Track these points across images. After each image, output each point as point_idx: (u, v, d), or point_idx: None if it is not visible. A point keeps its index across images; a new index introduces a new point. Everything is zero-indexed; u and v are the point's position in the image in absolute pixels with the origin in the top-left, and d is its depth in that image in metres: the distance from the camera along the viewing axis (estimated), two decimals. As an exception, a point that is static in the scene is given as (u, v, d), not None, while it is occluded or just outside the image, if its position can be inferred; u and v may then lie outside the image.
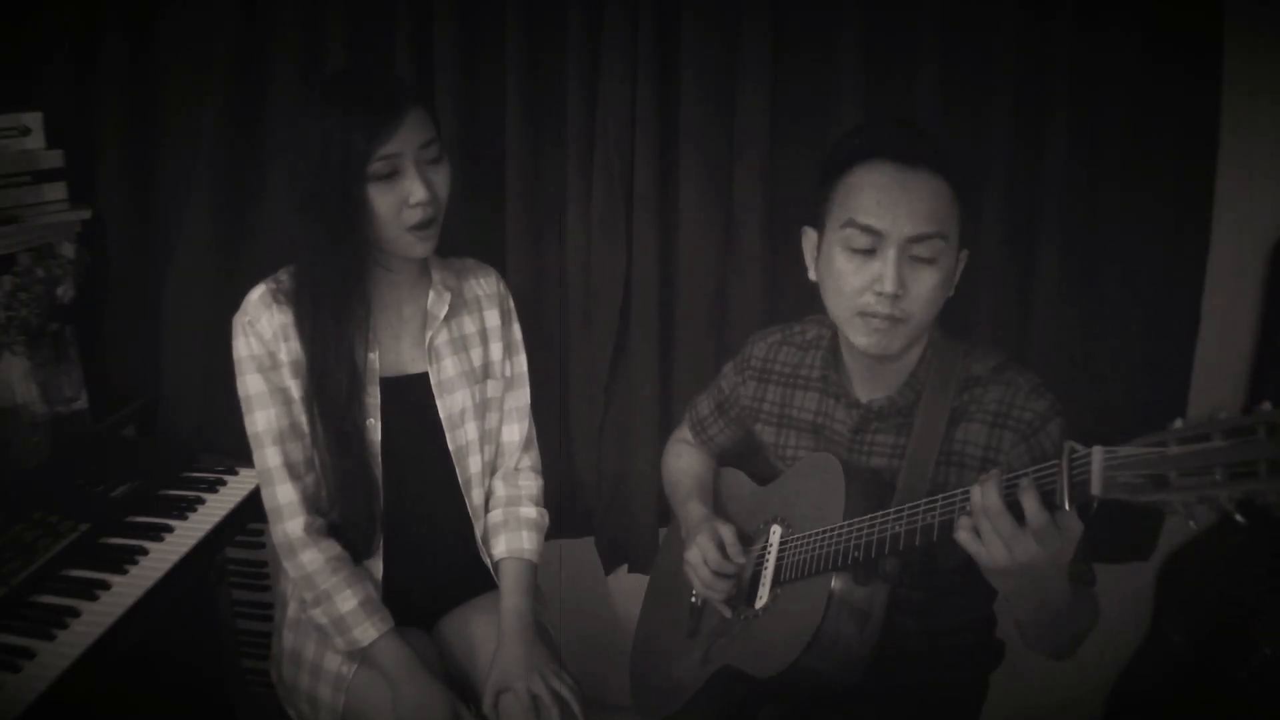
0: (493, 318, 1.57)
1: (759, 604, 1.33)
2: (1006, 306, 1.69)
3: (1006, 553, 1.00)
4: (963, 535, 1.03)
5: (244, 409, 1.41)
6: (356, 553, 1.44)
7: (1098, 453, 0.93)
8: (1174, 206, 1.63)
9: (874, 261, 1.20)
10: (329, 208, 1.32)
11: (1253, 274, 1.75)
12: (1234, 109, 1.60)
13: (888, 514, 1.16)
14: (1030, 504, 0.98)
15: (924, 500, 1.13)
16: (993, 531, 1.00)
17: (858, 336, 1.23)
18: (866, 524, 1.18)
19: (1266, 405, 0.81)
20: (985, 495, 1.01)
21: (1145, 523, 1.79)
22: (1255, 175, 1.68)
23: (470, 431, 1.52)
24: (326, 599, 1.38)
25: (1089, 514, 0.97)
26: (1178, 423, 0.88)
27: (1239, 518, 0.85)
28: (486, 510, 1.57)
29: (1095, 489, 0.92)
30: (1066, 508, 0.96)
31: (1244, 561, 1.77)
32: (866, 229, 1.19)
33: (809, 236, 1.32)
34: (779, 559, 1.32)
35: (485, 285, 1.58)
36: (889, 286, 1.18)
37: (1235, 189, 1.66)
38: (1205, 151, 1.61)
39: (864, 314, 1.21)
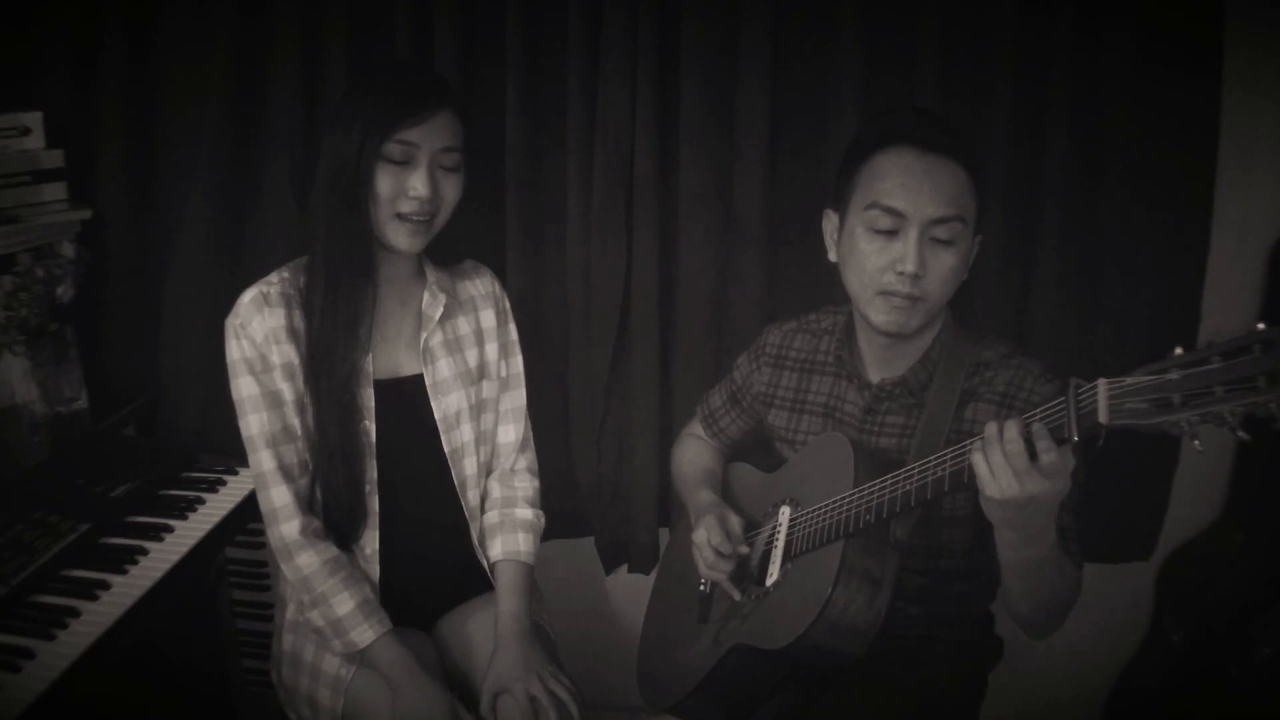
0: (488, 318, 1.57)
1: (769, 581, 1.33)
2: (1006, 306, 1.69)
3: (1017, 485, 1.02)
4: (977, 458, 1.05)
5: (238, 412, 1.41)
6: (345, 541, 1.44)
7: (1103, 383, 0.96)
8: (1174, 206, 1.63)
9: (896, 242, 1.24)
10: (343, 180, 1.36)
11: (1253, 274, 1.75)
12: (1234, 109, 1.60)
13: (897, 475, 1.19)
14: (1043, 441, 1.01)
15: (934, 456, 1.16)
16: (1005, 464, 1.03)
17: (878, 315, 1.28)
18: (877, 487, 1.21)
19: (1260, 325, 0.86)
20: (1006, 429, 1.04)
21: (1145, 523, 1.79)
22: (1255, 175, 1.69)
23: (466, 433, 1.52)
24: (324, 601, 1.38)
25: (1097, 445, 0.99)
26: (1177, 351, 0.91)
27: (1242, 434, 0.88)
28: (483, 511, 1.57)
29: (1102, 417, 0.95)
30: (1075, 438, 0.99)
31: (1244, 561, 1.77)
32: (890, 210, 1.24)
33: (830, 219, 1.36)
34: (789, 536, 1.34)
35: (481, 286, 1.58)
36: (910, 266, 1.22)
37: (1235, 189, 1.67)
38: (1205, 151, 1.61)
39: (885, 293, 1.26)
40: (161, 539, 1.51)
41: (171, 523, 1.55)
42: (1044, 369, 1.29)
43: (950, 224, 1.23)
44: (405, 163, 1.36)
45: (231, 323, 1.41)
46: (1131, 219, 1.65)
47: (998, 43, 1.59)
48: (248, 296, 1.42)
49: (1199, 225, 1.65)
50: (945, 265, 1.25)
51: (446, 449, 1.51)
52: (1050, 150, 1.62)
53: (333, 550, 1.41)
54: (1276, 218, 1.73)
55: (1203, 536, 1.87)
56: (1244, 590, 1.73)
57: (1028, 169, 1.64)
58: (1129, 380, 0.94)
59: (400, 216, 1.38)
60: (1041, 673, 1.87)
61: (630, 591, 1.94)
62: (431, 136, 1.36)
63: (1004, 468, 1.03)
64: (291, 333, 1.41)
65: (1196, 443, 0.91)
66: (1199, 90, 1.59)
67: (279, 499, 1.40)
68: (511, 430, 1.59)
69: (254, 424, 1.40)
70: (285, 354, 1.41)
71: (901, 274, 1.23)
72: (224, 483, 1.69)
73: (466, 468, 1.53)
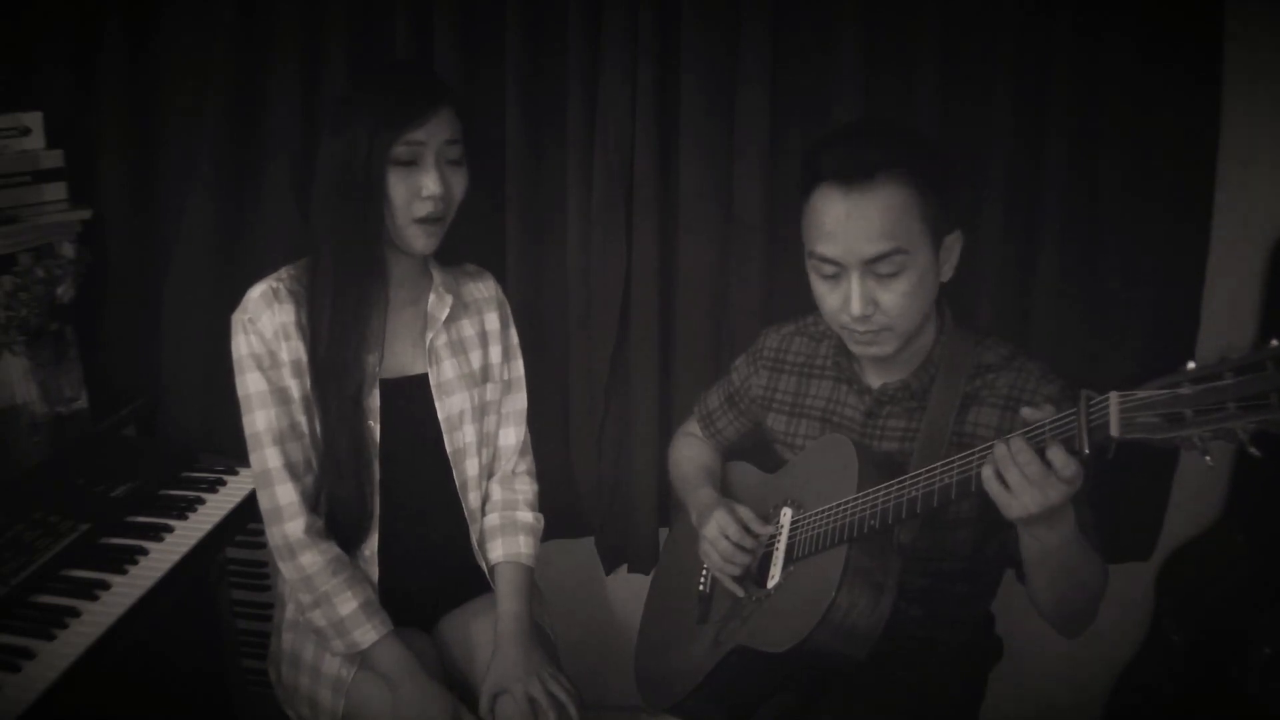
0: (492, 321, 1.57)
1: (771, 584, 1.33)
2: (1006, 307, 1.69)
3: (1040, 497, 1.01)
4: (993, 486, 1.05)
5: (243, 408, 1.41)
6: (347, 543, 1.44)
7: (1114, 397, 0.96)
8: (1174, 206, 1.63)
9: (842, 283, 1.25)
10: (353, 187, 1.36)
11: (1253, 274, 1.75)
12: (1234, 109, 1.60)
13: (903, 480, 1.18)
14: (1056, 455, 1.01)
15: (940, 463, 1.15)
16: (1023, 481, 1.02)
17: (851, 346, 1.31)
18: (883, 492, 1.20)
19: (1275, 341, 0.85)
20: (1013, 445, 1.03)
21: (1145, 523, 1.79)
22: (1255, 174, 1.69)
23: (468, 434, 1.52)
24: (326, 601, 1.38)
25: (1107, 457, 0.99)
26: (1190, 365, 0.91)
27: (1253, 450, 0.88)
28: (483, 513, 1.57)
29: (1114, 430, 0.95)
30: (1086, 451, 0.98)
31: (1244, 561, 1.77)
32: (825, 259, 1.24)
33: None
34: (791, 538, 1.33)
35: (485, 289, 1.59)
36: (855, 309, 1.23)
37: (1235, 189, 1.66)
38: (1205, 151, 1.61)
39: (846, 329, 1.27)
40: (161, 539, 1.51)
41: (171, 523, 1.55)
42: (1045, 370, 1.29)
43: (889, 258, 1.21)
44: (412, 163, 1.37)
45: (239, 318, 1.41)
46: (1131, 219, 1.64)
47: (998, 43, 1.59)
48: (256, 292, 1.42)
49: (1199, 225, 1.65)
50: (896, 294, 1.23)
51: (449, 449, 1.50)
52: (1050, 150, 1.62)
53: (335, 550, 1.41)
54: (1276, 218, 1.73)
55: (1203, 537, 1.87)
56: (1244, 590, 1.73)
57: (1028, 169, 1.64)
58: (1140, 393, 0.94)
59: (417, 221, 1.38)
60: (1041, 673, 1.87)
61: (630, 591, 1.94)
62: (436, 132, 1.37)
63: (1023, 484, 1.02)
64: (300, 329, 1.41)
65: (1208, 458, 0.91)
66: (1199, 90, 1.58)
67: (284, 497, 1.39)
68: (513, 433, 1.59)
69: (260, 420, 1.39)
70: (294, 350, 1.40)
71: (853, 316, 1.24)
72: (224, 483, 1.69)
73: (468, 469, 1.53)
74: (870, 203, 1.21)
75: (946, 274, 1.29)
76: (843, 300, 1.25)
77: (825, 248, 1.24)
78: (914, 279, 1.23)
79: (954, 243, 1.28)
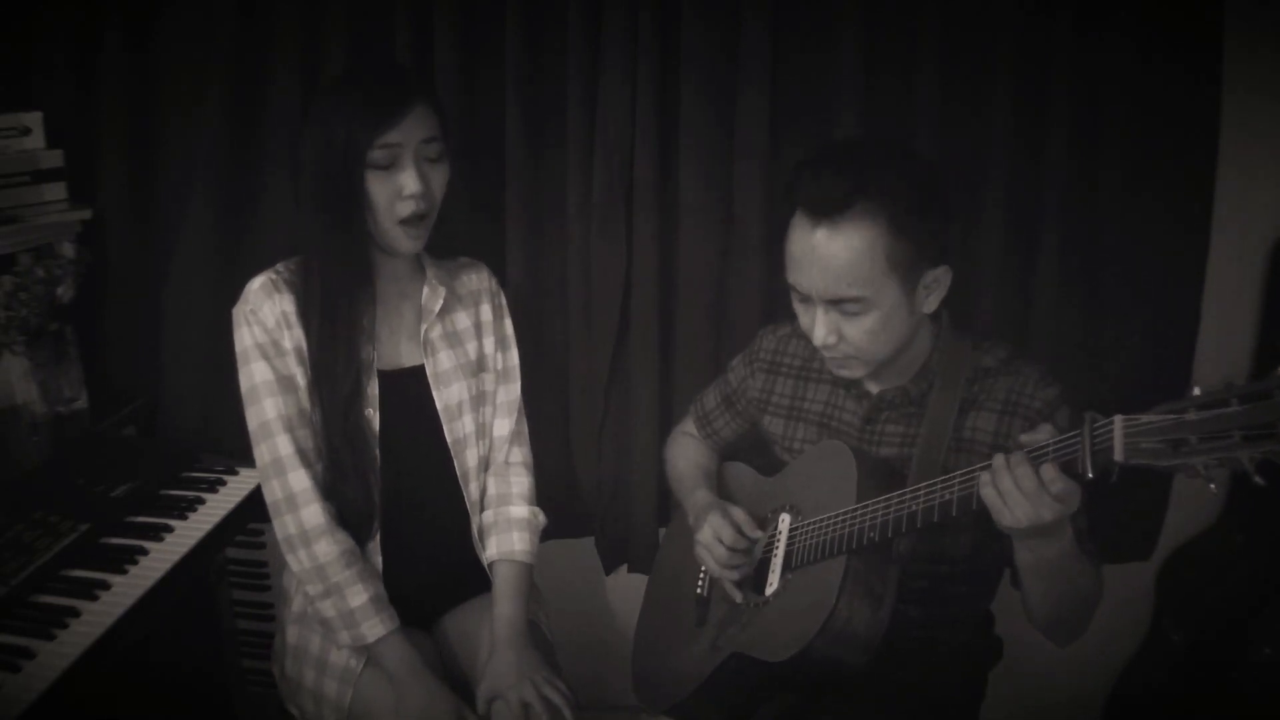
0: (485, 312, 1.58)
1: (769, 591, 1.33)
2: (1007, 308, 1.69)
3: (1031, 510, 1.02)
4: (988, 492, 1.05)
5: (249, 400, 1.40)
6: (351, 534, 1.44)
7: (1119, 421, 0.95)
8: (1174, 206, 1.63)
9: (811, 308, 1.25)
10: (333, 193, 1.36)
11: (1253, 274, 1.75)
12: (1234, 109, 1.60)
13: (904, 493, 1.18)
14: (1048, 472, 1.01)
15: (940, 478, 1.14)
16: (1016, 491, 1.03)
17: (829, 366, 1.31)
18: (882, 504, 1.19)
19: None
20: (1013, 459, 1.03)
21: (1145, 523, 1.79)
22: (1255, 175, 1.69)
23: (467, 424, 1.52)
24: (337, 592, 1.38)
25: (1110, 482, 0.98)
26: (1195, 390, 0.90)
27: (1258, 479, 0.87)
28: (482, 506, 1.57)
29: (1118, 455, 0.94)
30: (1090, 475, 0.97)
31: (1244, 562, 1.77)
32: (793, 287, 1.25)
33: None
34: (789, 546, 1.33)
35: (477, 280, 1.59)
36: (818, 338, 1.24)
37: (1235, 189, 1.66)
38: (1205, 151, 1.61)
39: (823, 347, 1.27)
40: (161, 539, 1.51)
41: (171, 523, 1.55)
42: (1043, 374, 1.27)
43: (850, 302, 1.20)
44: (390, 165, 1.36)
45: (241, 310, 1.41)
46: (1131, 219, 1.64)
47: (998, 43, 1.59)
48: (256, 283, 1.42)
49: (1199, 225, 1.65)
50: (862, 329, 1.22)
51: (449, 439, 1.51)
52: (1050, 150, 1.62)
53: (350, 541, 1.41)
54: (1276, 218, 1.73)
55: (1202, 537, 1.87)
56: (1244, 590, 1.73)
57: (1028, 169, 1.64)
58: (1145, 419, 0.93)
59: (402, 223, 1.38)
60: (1041, 673, 1.86)
61: (630, 591, 1.93)
62: (411, 132, 1.36)
63: (1015, 494, 1.02)
64: (302, 318, 1.41)
65: (1212, 485, 0.90)
66: (1199, 90, 1.58)
67: (297, 483, 1.39)
68: (505, 423, 1.59)
69: (270, 409, 1.39)
70: (296, 339, 1.41)
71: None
72: (224, 483, 1.69)
73: (469, 459, 1.53)
74: (835, 243, 1.18)
75: (930, 306, 1.26)
76: (812, 324, 1.25)
77: (793, 275, 1.24)
78: (878, 319, 1.21)
79: (942, 276, 1.25)
